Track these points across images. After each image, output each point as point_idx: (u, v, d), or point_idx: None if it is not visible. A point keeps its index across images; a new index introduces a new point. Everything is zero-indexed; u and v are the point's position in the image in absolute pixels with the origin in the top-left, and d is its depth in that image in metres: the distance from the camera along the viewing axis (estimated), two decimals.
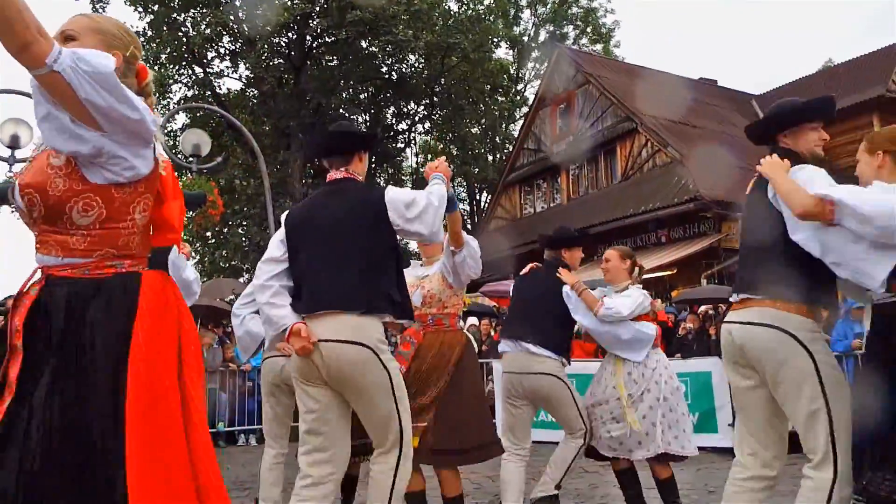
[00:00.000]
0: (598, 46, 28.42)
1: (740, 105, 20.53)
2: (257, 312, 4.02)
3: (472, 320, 11.48)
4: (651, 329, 4.03)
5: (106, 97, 1.60)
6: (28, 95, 10.41)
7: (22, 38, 1.50)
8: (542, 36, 28.22)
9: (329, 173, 3.05)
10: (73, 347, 1.64)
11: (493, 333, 11.11)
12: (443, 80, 23.28)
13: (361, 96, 23.49)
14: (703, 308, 11.15)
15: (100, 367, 1.64)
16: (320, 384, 2.84)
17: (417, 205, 2.90)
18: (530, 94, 26.42)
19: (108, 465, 1.60)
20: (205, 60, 21.26)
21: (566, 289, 4.13)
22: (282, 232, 3.00)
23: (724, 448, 4.71)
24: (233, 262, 23.42)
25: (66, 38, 1.75)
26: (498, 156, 26.86)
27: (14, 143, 10.49)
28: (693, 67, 65.54)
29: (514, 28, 27.68)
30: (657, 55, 60.32)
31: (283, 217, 3.07)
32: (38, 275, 1.75)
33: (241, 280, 16.98)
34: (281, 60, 21.35)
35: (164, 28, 19.79)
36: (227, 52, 21.40)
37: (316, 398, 2.85)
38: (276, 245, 2.98)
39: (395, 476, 2.86)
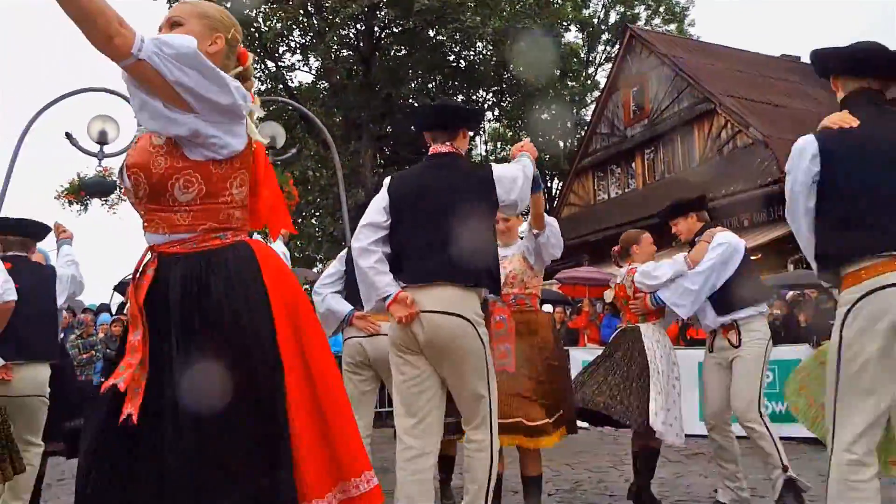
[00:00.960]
0: (672, 26, 27.53)
1: (825, 82, 19.45)
2: (339, 293, 4.13)
3: (548, 307, 11.38)
4: None
5: (193, 76, 1.65)
6: (113, 93, 10.87)
7: (105, 32, 1.57)
8: (613, 18, 27.54)
9: (433, 146, 3.10)
10: (198, 318, 1.68)
11: (567, 322, 10.99)
12: (511, 67, 23.02)
13: (430, 85, 23.43)
14: (790, 294, 10.68)
15: (248, 331, 1.69)
16: (418, 352, 2.89)
17: (517, 181, 3.01)
18: (602, 77, 25.90)
19: (271, 427, 1.66)
20: (276, 54, 21.64)
21: None
22: (385, 198, 3.01)
23: (809, 438, 4.63)
24: (307, 252, 23.88)
25: (173, 24, 1.83)
26: (569, 142, 26.44)
27: (102, 139, 10.98)
28: (774, 44, 62.89)
29: (584, 10, 27.07)
30: (735, 33, 58.13)
31: (385, 184, 3.10)
32: (150, 254, 1.81)
33: (315, 270, 17.25)
34: (350, 52, 21.53)
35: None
36: (298, 45, 21.72)
37: (414, 364, 2.90)
38: (379, 210, 3.00)
39: (491, 455, 2.89)
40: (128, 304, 1.88)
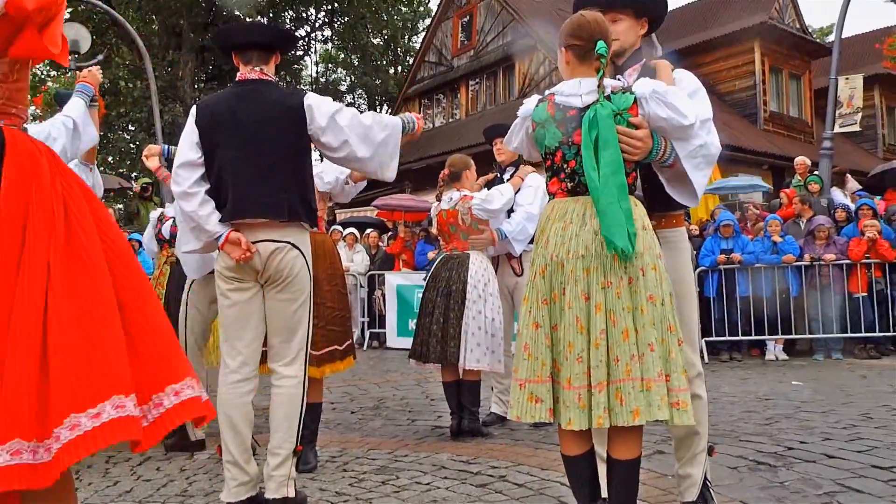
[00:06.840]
0: None
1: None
2: None
3: (369, 231, 11.67)
4: None
5: None
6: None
7: None
8: None
9: (242, 71, 2.97)
10: None
11: (383, 246, 11.30)
12: None
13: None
14: None
15: None
16: (249, 282, 2.89)
17: (340, 112, 2.91)
18: (434, 4, 25.93)
19: None
20: None
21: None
22: (195, 132, 2.89)
23: None
24: (120, 170, 22.41)
25: None
26: (399, 68, 26.44)
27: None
28: None
29: None
30: None
31: (192, 114, 2.95)
32: None
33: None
34: None
35: None
36: None
37: (244, 290, 2.90)
38: (192, 146, 2.89)
39: (304, 389, 2.93)
40: None
